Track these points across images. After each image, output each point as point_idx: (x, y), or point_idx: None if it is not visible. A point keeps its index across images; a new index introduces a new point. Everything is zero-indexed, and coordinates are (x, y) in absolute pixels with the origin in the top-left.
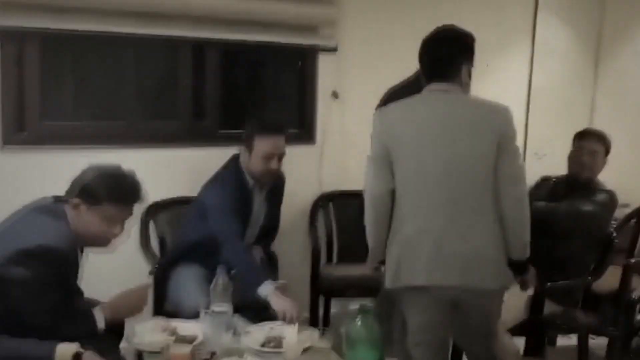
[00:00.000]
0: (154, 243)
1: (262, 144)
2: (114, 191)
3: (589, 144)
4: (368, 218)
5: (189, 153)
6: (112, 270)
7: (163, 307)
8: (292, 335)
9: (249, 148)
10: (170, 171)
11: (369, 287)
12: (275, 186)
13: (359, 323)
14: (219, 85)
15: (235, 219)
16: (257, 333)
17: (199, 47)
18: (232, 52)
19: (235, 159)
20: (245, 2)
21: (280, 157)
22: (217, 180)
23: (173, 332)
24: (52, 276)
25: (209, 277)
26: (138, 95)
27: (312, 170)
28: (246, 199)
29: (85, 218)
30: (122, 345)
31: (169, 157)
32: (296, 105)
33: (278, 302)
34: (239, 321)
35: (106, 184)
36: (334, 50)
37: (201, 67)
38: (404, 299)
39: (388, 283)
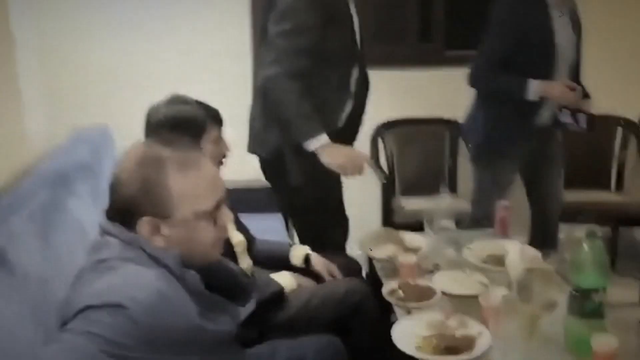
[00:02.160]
0: (382, 160)
1: None
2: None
3: None
4: None
5: (416, 74)
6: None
7: (392, 220)
8: (514, 254)
9: None
10: (398, 92)
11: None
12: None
13: (585, 247)
14: (445, 7)
15: None
16: (479, 249)
17: None
18: None
19: None
20: None
21: None
22: None
23: (400, 243)
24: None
25: None
26: (367, 18)
27: None
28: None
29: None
30: (352, 252)
31: (396, 79)
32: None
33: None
34: (460, 237)
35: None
36: None
37: None
38: None
39: None
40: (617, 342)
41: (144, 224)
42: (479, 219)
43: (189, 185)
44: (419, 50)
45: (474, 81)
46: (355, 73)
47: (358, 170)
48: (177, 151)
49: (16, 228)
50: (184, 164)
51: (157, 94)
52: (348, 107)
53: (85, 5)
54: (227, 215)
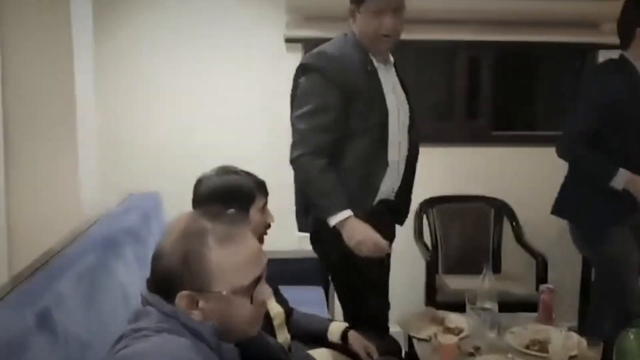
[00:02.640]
0: (426, 236)
1: None
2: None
3: None
4: None
5: (463, 151)
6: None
7: (435, 298)
8: (558, 339)
9: None
10: (445, 168)
11: None
12: None
13: (632, 337)
14: (493, 87)
15: None
16: (521, 334)
17: (474, 48)
18: (506, 52)
19: None
20: (525, 2)
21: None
22: None
23: (441, 323)
24: None
25: None
26: (419, 96)
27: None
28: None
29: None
30: (394, 329)
31: (444, 155)
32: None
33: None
34: (503, 319)
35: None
36: (616, 47)
37: (476, 68)
38: None
39: None
40: None
41: (183, 297)
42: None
43: (229, 260)
44: (467, 128)
45: (561, 152)
46: (392, 147)
47: (375, 251)
48: (221, 224)
49: (63, 289)
50: (226, 238)
51: (210, 164)
52: (389, 181)
53: (147, 74)
54: (266, 291)
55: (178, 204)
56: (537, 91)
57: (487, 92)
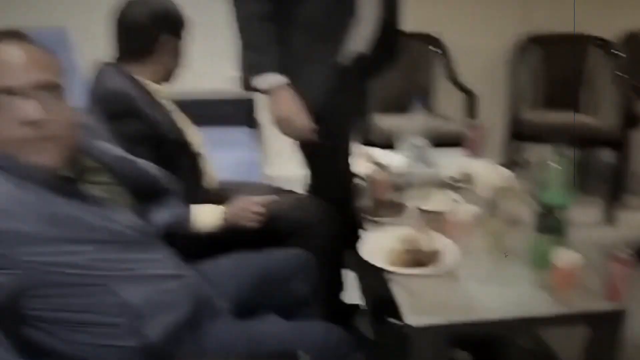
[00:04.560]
0: None
1: None
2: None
3: None
4: None
5: None
6: None
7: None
8: (485, 173)
9: None
10: None
11: (568, 135)
12: None
13: (553, 165)
14: None
15: None
16: (450, 168)
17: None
18: None
19: None
20: None
21: None
22: None
23: (373, 160)
24: None
25: None
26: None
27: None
28: None
29: None
30: None
31: None
32: None
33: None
34: (433, 155)
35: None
36: None
37: None
38: None
39: None
40: (577, 258)
41: None
42: None
43: None
44: None
45: None
46: None
47: (296, 136)
48: None
49: None
50: None
51: None
52: (363, 32)
53: None
54: (26, 110)
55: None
56: None
57: None
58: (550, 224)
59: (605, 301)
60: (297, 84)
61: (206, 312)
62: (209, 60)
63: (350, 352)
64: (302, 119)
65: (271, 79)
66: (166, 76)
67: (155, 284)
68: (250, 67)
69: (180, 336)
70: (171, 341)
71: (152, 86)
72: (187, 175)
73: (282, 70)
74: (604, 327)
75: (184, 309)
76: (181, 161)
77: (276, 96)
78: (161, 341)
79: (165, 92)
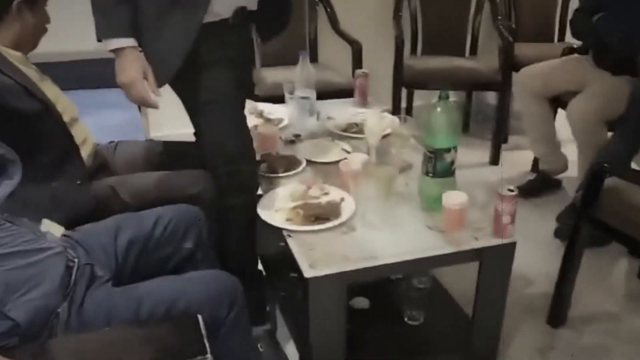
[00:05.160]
0: None
1: None
2: None
3: None
4: None
5: None
6: None
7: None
8: (373, 121)
9: None
10: None
11: (453, 79)
12: None
13: (438, 109)
14: None
15: None
16: (339, 118)
17: None
18: None
19: None
20: None
21: None
22: None
23: (260, 114)
24: None
25: None
26: None
27: None
28: None
29: None
30: None
31: None
32: None
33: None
34: (321, 107)
35: None
36: None
37: None
38: None
39: None
40: (466, 198)
41: None
42: None
43: None
44: None
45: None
46: None
47: (136, 101)
48: None
49: None
50: None
51: None
52: None
53: None
54: None
55: None
56: None
57: None
58: (439, 166)
59: (495, 237)
60: (152, 48)
61: (82, 281)
62: (83, 22)
63: (237, 300)
64: (142, 86)
65: (116, 42)
66: (26, 42)
67: (14, 261)
68: (98, 29)
69: (52, 310)
70: (42, 317)
71: (10, 53)
72: (56, 146)
73: (134, 34)
74: (494, 261)
75: (51, 283)
76: (49, 132)
77: (120, 60)
78: (28, 321)
79: (22, 58)
